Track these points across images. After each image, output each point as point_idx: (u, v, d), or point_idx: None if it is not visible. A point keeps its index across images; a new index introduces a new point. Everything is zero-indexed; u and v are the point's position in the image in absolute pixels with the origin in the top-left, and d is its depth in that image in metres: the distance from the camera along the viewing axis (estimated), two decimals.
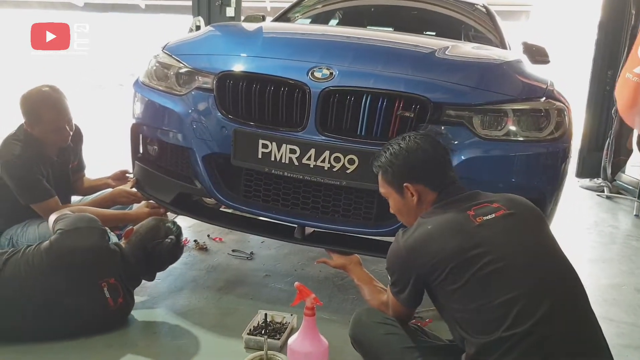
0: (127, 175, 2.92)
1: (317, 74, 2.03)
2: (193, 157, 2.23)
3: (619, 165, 5.22)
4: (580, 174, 5.61)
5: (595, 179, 5.41)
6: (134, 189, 2.63)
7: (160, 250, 2.14)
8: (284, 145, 2.05)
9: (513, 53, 2.96)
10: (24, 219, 2.49)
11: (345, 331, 1.82)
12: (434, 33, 3.61)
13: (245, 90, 2.10)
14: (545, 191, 2.10)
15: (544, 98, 2.13)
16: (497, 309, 1.40)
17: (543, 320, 1.36)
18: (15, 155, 2.40)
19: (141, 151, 2.55)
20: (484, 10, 3.75)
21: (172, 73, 2.32)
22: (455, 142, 1.99)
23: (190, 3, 5.79)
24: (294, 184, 2.15)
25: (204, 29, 2.99)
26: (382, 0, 4.16)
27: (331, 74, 2.03)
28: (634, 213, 4.51)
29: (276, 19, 3.65)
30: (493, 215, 1.53)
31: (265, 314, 2.09)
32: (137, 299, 2.25)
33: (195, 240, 3.11)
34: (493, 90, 2.09)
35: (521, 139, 2.05)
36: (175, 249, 2.20)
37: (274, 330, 2.09)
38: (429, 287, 1.56)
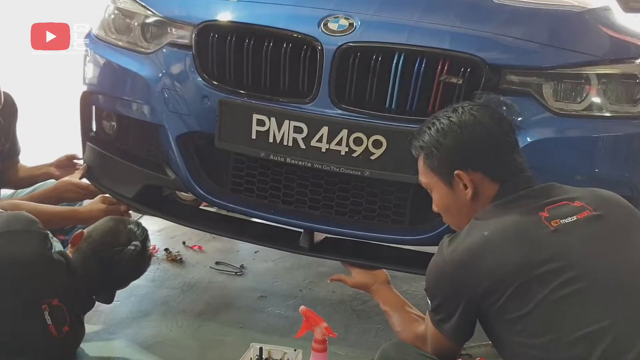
0: (76, 161, 2.91)
1: (332, 26, 2.01)
2: (164, 137, 2.22)
3: None
4: None
5: None
6: (84, 180, 2.62)
7: (120, 261, 2.12)
8: (286, 122, 2.03)
9: None
10: None
11: None
12: None
13: (234, 47, 2.08)
14: None
15: None
16: (576, 345, 1.38)
17: None
18: None
19: (94, 129, 2.54)
20: None
21: (136, 23, 2.31)
22: (519, 119, 1.97)
23: None
24: (299, 175, 2.14)
25: None
26: None
27: (351, 25, 2.01)
28: None
29: None
30: (574, 218, 1.50)
31: (260, 348, 2.08)
32: (89, 327, 2.24)
33: (166, 249, 3.10)
34: (570, 49, 2.07)
35: (608, 114, 2.03)
36: (139, 259, 2.18)
37: None
38: (484, 314, 1.53)
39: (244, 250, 3.16)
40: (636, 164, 2.09)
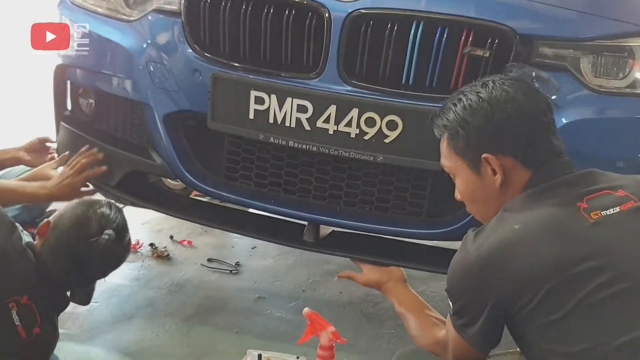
0: (49, 144, 2.91)
1: None
2: (150, 116, 2.23)
3: None
4: None
5: None
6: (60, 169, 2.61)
7: (94, 254, 2.11)
8: (288, 100, 2.04)
9: None
10: None
11: None
12: None
13: (229, 13, 2.08)
14: None
15: None
16: (619, 353, 1.38)
17: None
18: None
19: (70, 107, 2.55)
20: None
21: None
22: (554, 97, 1.96)
23: None
24: (303, 160, 2.15)
25: None
26: None
27: None
28: None
29: None
30: (617, 209, 1.50)
31: (259, 356, 2.09)
32: (64, 332, 2.24)
33: (152, 244, 3.11)
34: (612, 17, 2.06)
35: None
36: (115, 249, 2.14)
37: None
38: (512, 318, 1.53)
39: (240, 246, 3.17)
40: None
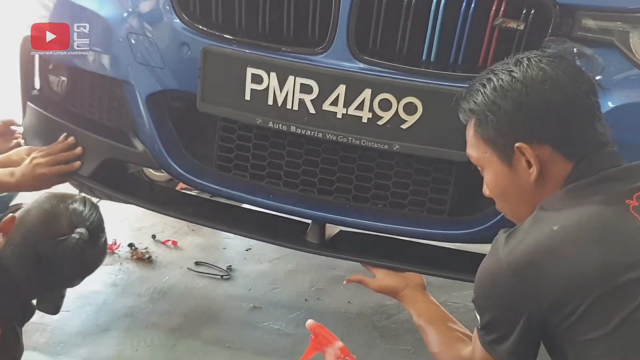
0: (14, 128, 2.90)
1: None
2: (131, 97, 2.23)
3: None
4: None
5: None
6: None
7: (62, 255, 2.11)
8: (290, 79, 2.03)
9: None
10: None
11: None
12: None
13: None
14: None
15: None
16: None
17: None
18: None
19: (38, 86, 2.56)
20: None
21: None
22: (598, 77, 1.94)
23: None
24: (307, 148, 2.15)
25: None
26: None
27: None
28: None
29: None
30: None
31: None
32: (30, 342, 2.27)
33: (131, 245, 3.12)
34: None
35: None
36: (88, 251, 2.13)
37: None
38: (550, 334, 1.53)
39: (232, 247, 3.19)
40: None
